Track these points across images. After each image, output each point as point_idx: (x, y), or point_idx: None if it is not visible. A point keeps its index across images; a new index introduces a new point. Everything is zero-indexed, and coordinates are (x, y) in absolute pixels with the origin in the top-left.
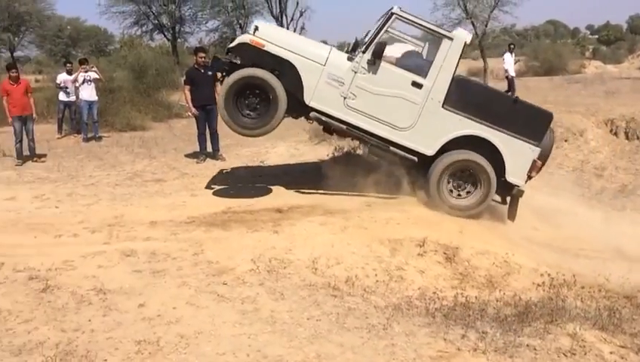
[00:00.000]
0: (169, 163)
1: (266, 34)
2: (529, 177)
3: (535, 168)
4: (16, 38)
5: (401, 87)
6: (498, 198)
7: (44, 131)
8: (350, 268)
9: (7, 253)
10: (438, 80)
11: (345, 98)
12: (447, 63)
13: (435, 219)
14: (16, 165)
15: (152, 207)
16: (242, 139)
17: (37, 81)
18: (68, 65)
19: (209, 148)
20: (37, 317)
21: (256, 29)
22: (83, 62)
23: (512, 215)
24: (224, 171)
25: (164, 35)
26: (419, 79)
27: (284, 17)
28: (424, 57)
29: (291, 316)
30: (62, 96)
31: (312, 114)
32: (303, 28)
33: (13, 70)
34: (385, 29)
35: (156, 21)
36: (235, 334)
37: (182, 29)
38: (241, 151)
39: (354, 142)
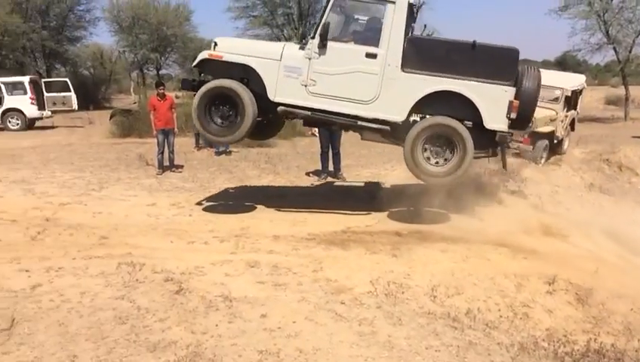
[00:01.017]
0: (292, 179)
1: (224, 46)
2: (509, 120)
3: (513, 108)
4: (162, 58)
5: (356, 61)
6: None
7: (182, 144)
8: (471, 299)
9: (148, 254)
10: (391, 45)
11: (306, 86)
12: (395, 27)
13: (567, 255)
14: (157, 174)
15: (275, 221)
16: (363, 160)
17: (177, 97)
18: None
19: (330, 167)
20: (171, 317)
21: (215, 44)
22: None
23: (503, 164)
24: (343, 190)
25: None
26: (372, 49)
27: None
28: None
29: (409, 343)
30: None
31: (280, 108)
32: None
33: (161, 87)
34: (327, 11)
35: None
36: (352, 355)
37: None
38: (361, 171)
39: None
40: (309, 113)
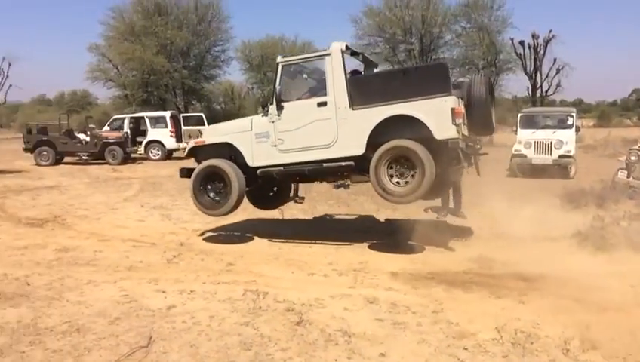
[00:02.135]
0: (410, 215)
1: (206, 133)
2: (457, 126)
3: (457, 115)
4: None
5: (311, 112)
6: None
7: None
8: (609, 356)
9: (270, 283)
10: (337, 90)
11: (275, 146)
12: (336, 74)
13: None
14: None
15: (394, 257)
16: (484, 198)
17: None
18: None
19: (451, 204)
20: (292, 347)
21: (200, 133)
22: None
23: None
24: (465, 230)
25: None
26: (322, 99)
27: (537, 75)
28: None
29: None
30: None
31: (259, 171)
32: (558, 85)
33: None
34: (278, 79)
35: None
36: None
37: None
38: (483, 210)
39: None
40: (282, 168)
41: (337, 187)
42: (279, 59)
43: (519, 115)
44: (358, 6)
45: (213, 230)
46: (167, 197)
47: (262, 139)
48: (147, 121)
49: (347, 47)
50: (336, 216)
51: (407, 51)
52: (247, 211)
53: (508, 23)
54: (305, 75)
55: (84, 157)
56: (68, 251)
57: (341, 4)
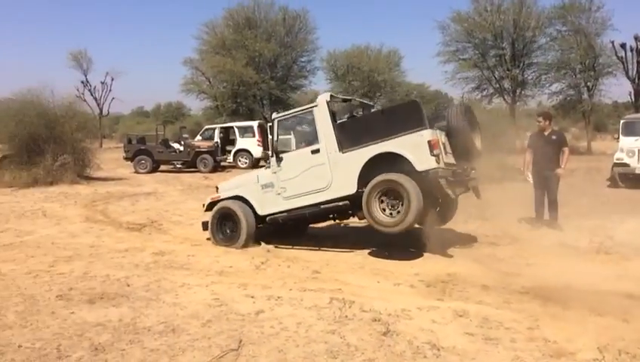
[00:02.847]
0: (502, 226)
1: (221, 188)
2: (436, 156)
3: (433, 146)
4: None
5: (307, 160)
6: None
7: None
8: None
9: (356, 292)
10: (326, 137)
11: (279, 194)
12: (324, 122)
13: None
14: None
15: (484, 269)
16: (583, 210)
17: None
18: None
19: (546, 216)
20: (378, 358)
21: (217, 188)
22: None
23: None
24: (561, 242)
25: (504, 99)
26: (315, 146)
27: None
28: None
29: None
30: None
31: (268, 219)
32: None
33: None
34: (275, 134)
35: (497, 85)
36: None
37: (522, 92)
38: (582, 222)
39: None
40: (286, 214)
41: None
42: (274, 115)
43: (621, 121)
44: (445, 12)
45: (298, 237)
46: None
47: (267, 190)
48: (236, 130)
49: (332, 97)
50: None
51: (498, 57)
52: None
53: (607, 25)
54: (298, 127)
55: (177, 166)
56: (164, 255)
57: (427, 12)
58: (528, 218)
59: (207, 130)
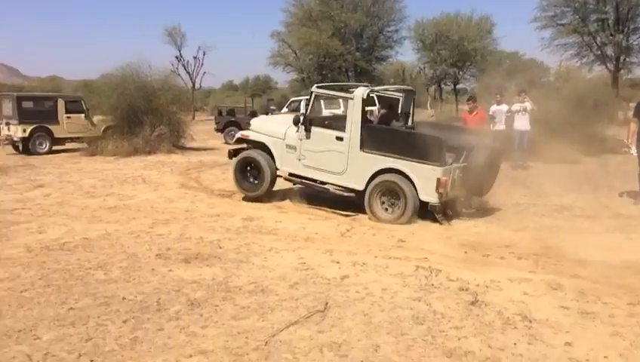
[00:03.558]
0: (601, 200)
1: (253, 126)
2: (440, 194)
3: (441, 185)
4: (460, 72)
5: (330, 143)
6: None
7: None
8: None
9: (443, 262)
10: (353, 131)
11: (300, 160)
12: (355, 116)
13: None
14: None
15: (582, 243)
16: None
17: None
18: (497, 96)
19: None
20: (466, 326)
21: (250, 124)
22: (521, 93)
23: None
24: None
25: (606, 67)
26: (340, 134)
27: None
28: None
29: None
30: (493, 126)
31: (283, 175)
32: None
33: (470, 101)
34: (310, 106)
35: (598, 52)
36: None
37: (626, 59)
38: None
39: None
40: (300, 179)
41: (515, 168)
42: (314, 88)
43: None
44: None
45: None
46: None
47: (290, 151)
48: (322, 102)
49: (371, 93)
50: (515, 199)
51: (600, 21)
52: None
53: None
54: (331, 108)
55: None
56: (253, 220)
57: None
58: (631, 192)
59: (292, 102)
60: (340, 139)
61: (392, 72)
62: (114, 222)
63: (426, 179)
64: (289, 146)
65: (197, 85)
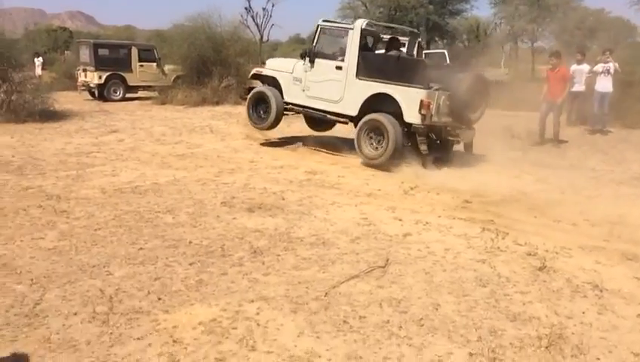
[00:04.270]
0: None
1: (267, 64)
2: (422, 115)
3: (424, 106)
4: (538, 29)
5: (330, 72)
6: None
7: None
8: None
9: (510, 225)
10: (350, 59)
11: (304, 90)
12: (353, 46)
13: None
14: (534, 145)
15: None
16: None
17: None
18: (578, 55)
19: None
20: (532, 292)
21: (264, 63)
22: (605, 52)
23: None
24: None
25: None
26: (339, 63)
27: None
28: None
29: None
30: (572, 87)
31: (289, 106)
32: None
33: (552, 57)
34: (316, 39)
35: None
36: None
37: None
38: None
39: None
40: (302, 109)
41: (593, 132)
42: (320, 22)
43: None
44: None
45: (450, 166)
46: None
47: (296, 82)
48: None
49: (370, 24)
50: (591, 164)
51: None
52: (481, 150)
53: None
54: (334, 40)
55: None
56: (316, 174)
57: None
58: None
59: None
60: (339, 68)
61: (465, 27)
62: (182, 169)
63: (411, 102)
64: (295, 78)
65: (264, 38)
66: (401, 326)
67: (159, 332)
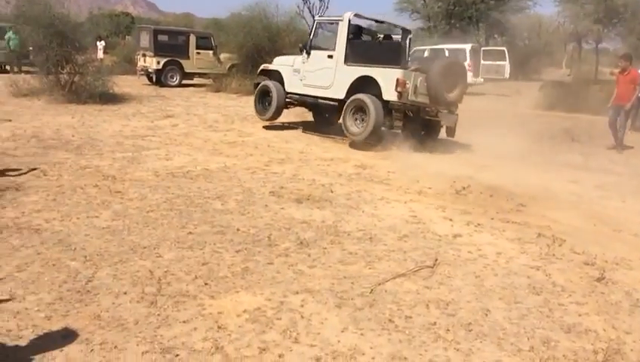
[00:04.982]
0: None
1: (275, 62)
2: (399, 93)
3: (399, 84)
4: (604, 30)
5: (323, 61)
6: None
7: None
8: None
9: (567, 232)
10: (339, 48)
11: (302, 80)
12: (341, 36)
13: None
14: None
15: None
16: None
17: (611, 74)
18: None
19: None
20: (589, 303)
21: (272, 61)
22: None
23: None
24: None
25: None
26: (331, 52)
27: None
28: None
29: None
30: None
31: (289, 95)
32: None
33: (621, 60)
34: (313, 32)
35: None
36: None
37: None
38: None
39: None
40: (298, 97)
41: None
42: (317, 17)
43: None
44: None
45: (503, 166)
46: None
47: (295, 74)
48: (446, 52)
49: (357, 16)
50: None
51: None
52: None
53: None
54: (327, 31)
55: None
56: (365, 168)
57: None
58: None
59: (416, 51)
60: (330, 57)
61: (526, 24)
62: (233, 156)
63: (389, 81)
64: (295, 70)
65: None
66: (448, 330)
67: (205, 317)
